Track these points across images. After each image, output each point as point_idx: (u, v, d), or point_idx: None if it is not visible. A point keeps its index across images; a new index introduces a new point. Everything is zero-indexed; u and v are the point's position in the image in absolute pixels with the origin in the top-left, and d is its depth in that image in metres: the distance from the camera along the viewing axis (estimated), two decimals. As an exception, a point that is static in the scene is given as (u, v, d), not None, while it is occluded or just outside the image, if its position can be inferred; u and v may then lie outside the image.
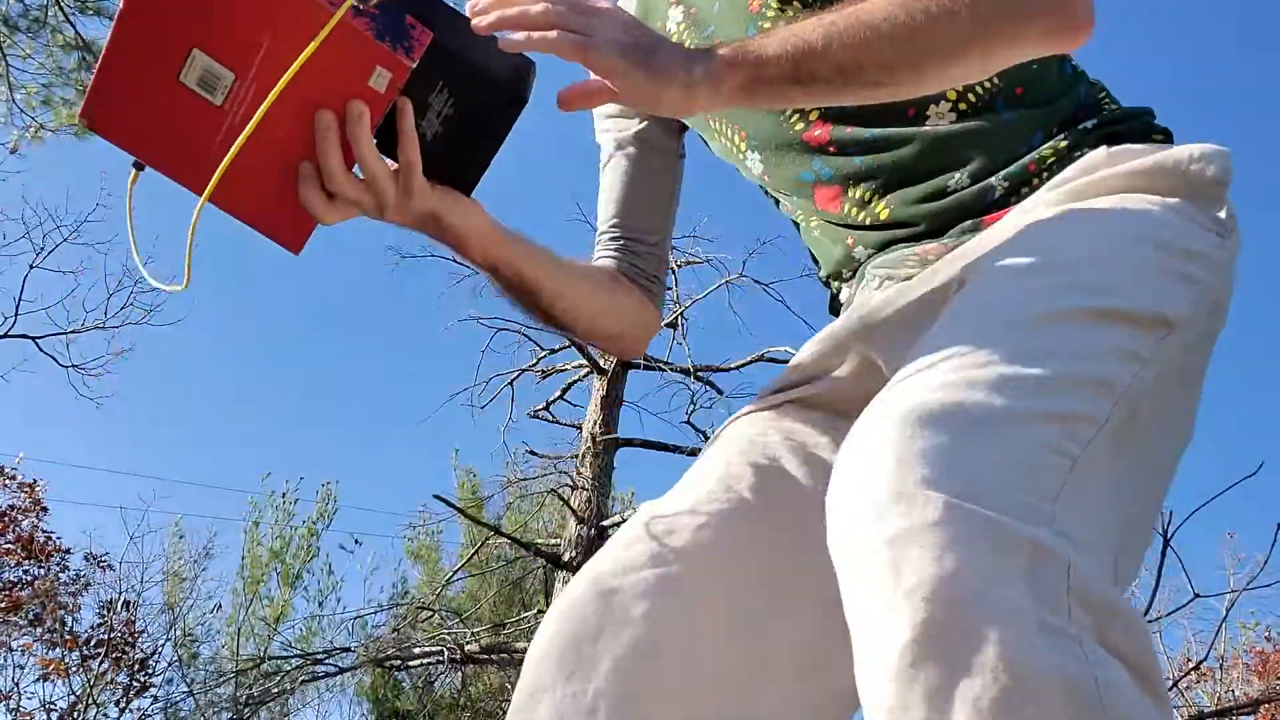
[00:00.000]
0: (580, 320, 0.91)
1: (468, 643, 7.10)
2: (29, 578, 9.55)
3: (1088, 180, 0.76)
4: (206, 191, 0.64)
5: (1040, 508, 0.50)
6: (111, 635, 9.00)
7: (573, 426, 8.21)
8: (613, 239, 0.98)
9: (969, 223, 0.83)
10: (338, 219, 0.73)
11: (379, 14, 0.64)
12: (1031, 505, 0.50)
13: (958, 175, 0.83)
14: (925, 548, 0.46)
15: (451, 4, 0.70)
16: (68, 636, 9.00)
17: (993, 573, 0.46)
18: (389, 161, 0.72)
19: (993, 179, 0.83)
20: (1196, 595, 4.19)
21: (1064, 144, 0.83)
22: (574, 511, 7.11)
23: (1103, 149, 0.79)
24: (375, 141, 0.69)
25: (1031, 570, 0.47)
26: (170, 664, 9.41)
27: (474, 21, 0.67)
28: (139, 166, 0.69)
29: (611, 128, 1.01)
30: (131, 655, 9.28)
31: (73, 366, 8.52)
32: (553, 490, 7.88)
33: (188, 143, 0.67)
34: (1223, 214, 0.75)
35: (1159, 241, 0.69)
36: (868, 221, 0.86)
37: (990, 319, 0.62)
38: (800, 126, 0.88)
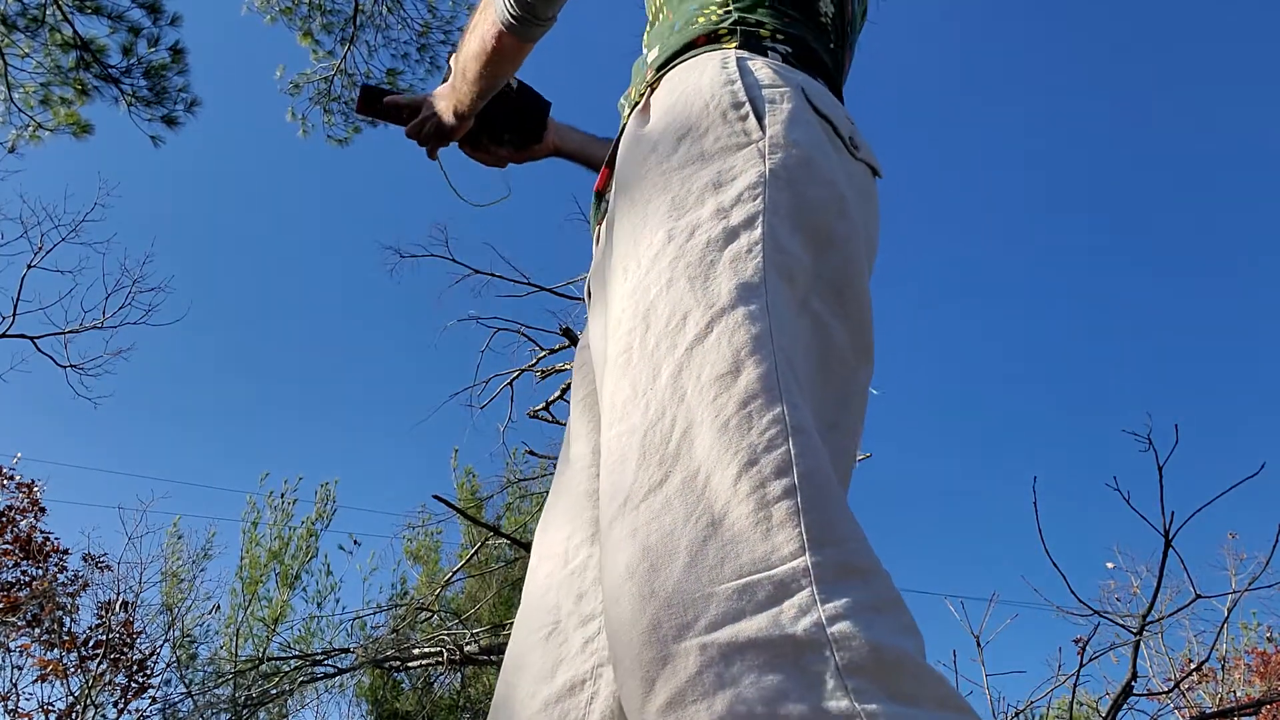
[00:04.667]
0: None
1: (467, 643, 7.07)
2: (27, 578, 9.53)
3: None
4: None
5: (793, 574, 0.49)
6: (110, 636, 8.98)
7: (572, 426, 8.16)
8: None
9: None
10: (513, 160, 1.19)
11: None
12: (781, 580, 0.49)
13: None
14: (697, 700, 0.46)
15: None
16: (66, 637, 8.97)
17: (762, 693, 0.46)
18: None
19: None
20: (1198, 596, 4.20)
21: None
22: (574, 512, 7.07)
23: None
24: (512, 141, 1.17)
25: (798, 667, 0.46)
26: (168, 665, 9.38)
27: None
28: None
29: None
30: (130, 656, 9.26)
31: (71, 366, 8.51)
32: (552, 490, 7.84)
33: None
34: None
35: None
36: None
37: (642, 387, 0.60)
38: None
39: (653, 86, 0.81)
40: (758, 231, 0.63)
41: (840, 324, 0.66)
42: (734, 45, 0.80)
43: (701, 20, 0.84)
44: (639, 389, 0.59)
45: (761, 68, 0.78)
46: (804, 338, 0.62)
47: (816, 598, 0.49)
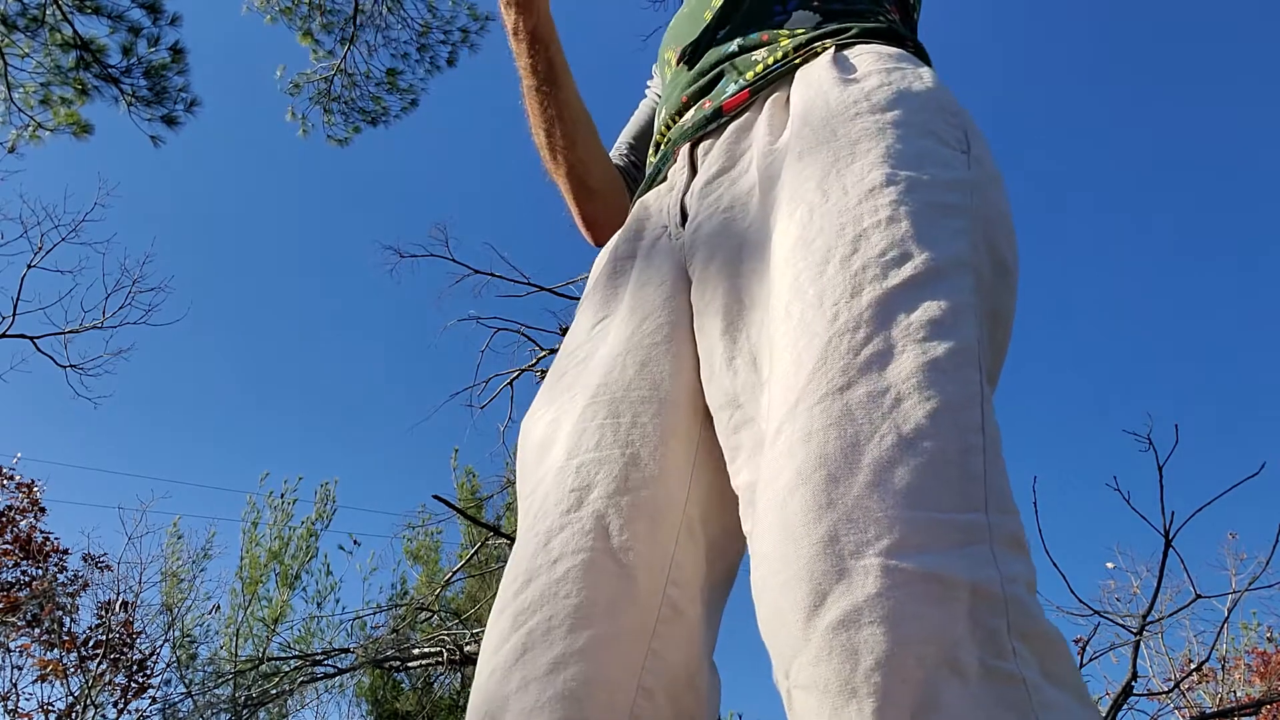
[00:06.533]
0: (577, 144, 1.04)
1: (467, 643, 7.07)
2: (27, 578, 9.53)
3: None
4: None
5: (976, 526, 0.50)
6: (110, 636, 8.98)
7: (572, 426, 8.15)
8: (619, 152, 1.17)
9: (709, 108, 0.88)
10: None
11: None
12: (967, 526, 0.49)
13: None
14: (876, 623, 0.46)
15: None
16: (65, 637, 8.97)
17: (938, 631, 0.46)
18: None
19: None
20: (1198, 596, 4.20)
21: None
22: (573, 512, 7.06)
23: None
24: None
25: (974, 616, 0.47)
26: (168, 665, 9.38)
27: None
28: None
29: (652, 85, 1.21)
30: (130, 656, 9.25)
31: (71, 366, 8.52)
32: (552, 490, 7.83)
33: None
34: None
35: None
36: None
37: (822, 321, 0.58)
38: None
39: (840, 46, 0.82)
40: (967, 223, 0.65)
41: (988, 342, 0.65)
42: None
43: (879, 20, 0.86)
44: (827, 301, 0.58)
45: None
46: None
47: (995, 556, 0.49)
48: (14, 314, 8.40)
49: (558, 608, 0.62)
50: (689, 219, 0.81)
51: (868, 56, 0.79)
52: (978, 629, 0.46)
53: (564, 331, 5.91)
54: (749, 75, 0.86)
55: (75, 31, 6.45)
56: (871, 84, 0.74)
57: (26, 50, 6.52)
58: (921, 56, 0.86)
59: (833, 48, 0.81)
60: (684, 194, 0.84)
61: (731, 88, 0.87)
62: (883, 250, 0.60)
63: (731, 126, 0.84)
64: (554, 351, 8.24)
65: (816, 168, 0.68)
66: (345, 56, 7.09)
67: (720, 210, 0.77)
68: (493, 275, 7.03)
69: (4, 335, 8.39)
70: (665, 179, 0.91)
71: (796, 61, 0.82)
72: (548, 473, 0.72)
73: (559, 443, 0.73)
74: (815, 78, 0.77)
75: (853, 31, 0.84)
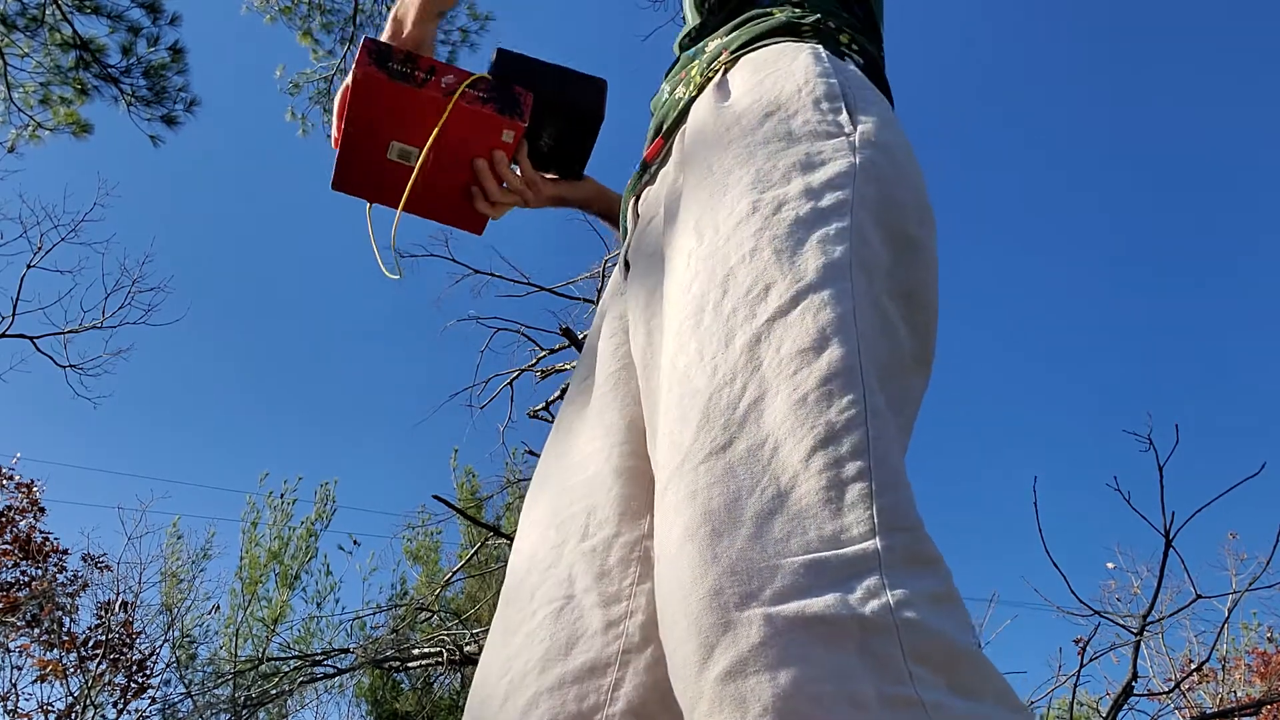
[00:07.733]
0: None
1: (467, 644, 7.07)
2: (26, 578, 9.54)
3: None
4: (400, 206, 1.01)
5: (863, 556, 0.49)
6: (109, 636, 8.98)
7: (572, 426, 8.15)
8: None
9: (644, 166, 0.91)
10: (502, 214, 1.06)
11: (495, 93, 0.95)
12: (852, 560, 0.49)
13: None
14: (760, 671, 0.46)
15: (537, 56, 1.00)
16: (65, 637, 8.97)
17: (829, 670, 0.45)
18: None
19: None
20: (1199, 596, 4.20)
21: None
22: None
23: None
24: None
25: (865, 649, 0.46)
26: (168, 665, 9.39)
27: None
28: (369, 202, 1.06)
29: None
30: (129, 656, 9.26)
31: (70, 366, 8.52)
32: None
33: (394, 187, 1.02)
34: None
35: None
36: None
37: (703, 368, 0.58)
38: None
39: (728, 66, 0.82)
40: (846, 221, 0.63)
41: (906, 328, 0.65)
42: (816, 44, 0.80)
43: (779, 14, 0.85)
44: (706, 353, 0.59)
45: (850, 68, 0.79)
46: (875, 332, 0.61)
47: (885, 582, 0.48)
48: (14, 314, 8.41)
49: (532, 653, 0.67)
50: (629, 271, 0.84)
51: (744, 71, 0.78)
52: (870, 660, 0.46)
53: (564, 332, 5.91)
54: (670, 119, 0.87)
55: (75, 31, 6.45)
56: (743, 104, 0.73)
57: (26, 50, 6.52)
58: (821, 35, 0.83)
59: (721, 70, 0.81)
60: (627, 248, 0.87)
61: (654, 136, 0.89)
62: (748, 288, 0.60)
63: (660, 174, 0.86)
64: (554, 351, 8.26)
65: (694, 209, 0.68)
66: (345, 56, 7.09)
67: (646, 258, 0.79)
68: (493, 275, 7.04)
69: (4, 335, 8.40)
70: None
71: (694, 94, 0.83)
72: (533, 528, 0.76)
73: (542, 503, 0.77)
74: (700, 112, 0.78)
75: (740, 42, 0.83)
